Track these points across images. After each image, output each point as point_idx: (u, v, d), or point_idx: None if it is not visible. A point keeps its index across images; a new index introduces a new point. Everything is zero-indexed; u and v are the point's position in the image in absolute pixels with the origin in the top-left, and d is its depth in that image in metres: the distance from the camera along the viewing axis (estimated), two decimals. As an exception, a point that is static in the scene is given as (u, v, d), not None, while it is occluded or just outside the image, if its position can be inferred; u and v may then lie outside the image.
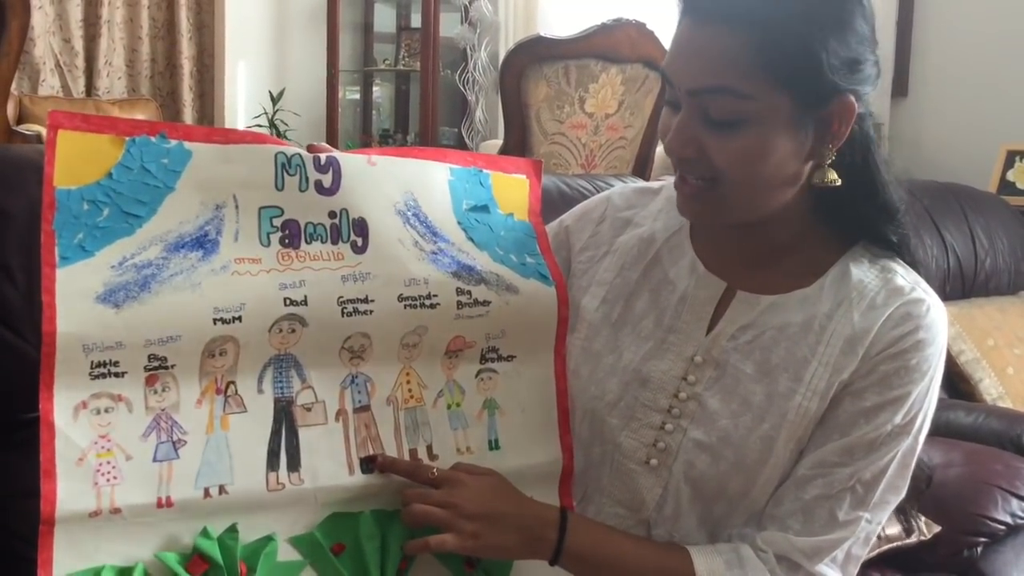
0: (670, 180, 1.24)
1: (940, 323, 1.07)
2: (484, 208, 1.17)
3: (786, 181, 1.04)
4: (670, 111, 1.05)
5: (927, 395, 1.06)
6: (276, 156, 1.05)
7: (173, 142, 1.02)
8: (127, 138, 1.00)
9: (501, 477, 1.10)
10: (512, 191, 1.21)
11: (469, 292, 1.11)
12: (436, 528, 1.04)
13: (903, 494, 1.07)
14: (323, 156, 1.07)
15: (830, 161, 1.04)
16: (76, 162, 0.98)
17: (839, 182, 1.04)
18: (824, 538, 1.04)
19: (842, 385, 1.05)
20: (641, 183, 1.30)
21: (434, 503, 1.04)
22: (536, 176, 1.23)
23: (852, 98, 1.01)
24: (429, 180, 1.14)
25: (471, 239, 1.15)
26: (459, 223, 1.15)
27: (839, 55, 0.98)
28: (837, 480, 1.04)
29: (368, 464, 1.06)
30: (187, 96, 5.50)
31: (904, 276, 1.09)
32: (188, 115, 5.47)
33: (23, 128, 4.12)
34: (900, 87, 3.70)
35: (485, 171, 1.19)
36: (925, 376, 1.05)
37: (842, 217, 1.11)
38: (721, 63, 0.97)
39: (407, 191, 1.12)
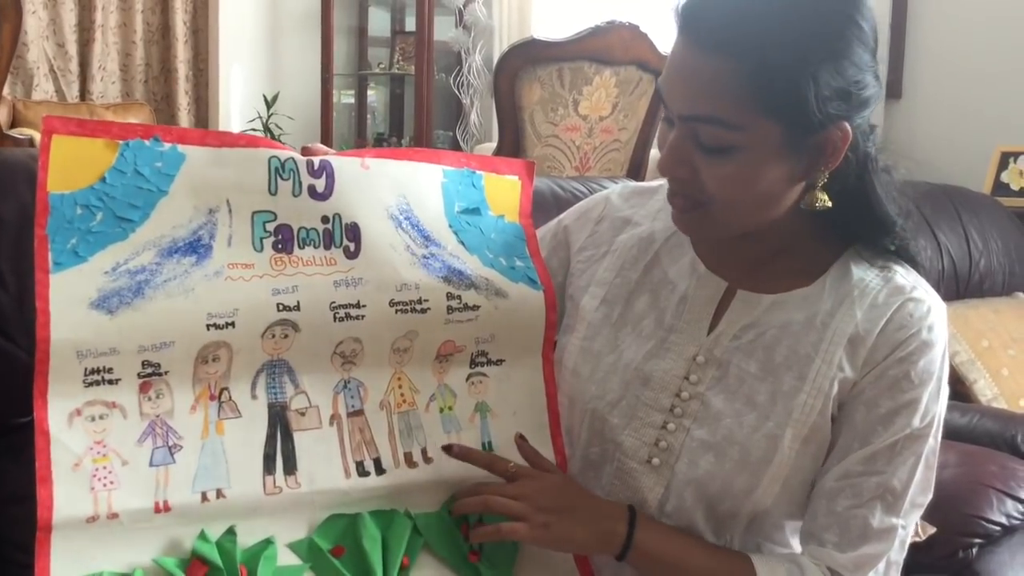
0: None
1: (942, 323, 1.08)
2: (475, 210, 1.18)
3: (776, 202, 1.05)
4: (666, 128, 1.06)
5: (938, 394, 1.07)
6: (270, 160, 1.05)
7: (167, 145, 1.02)
8: (121, 142, 1.00)
9: (569, 477, 1.13)
10: (504, 192, 1.21)
11: (459, 297, 1.11)
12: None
13: (931, 494, 1.08)
14: (316, 160, 1.07)
15: (822, 183, 1.04)
16: (70, 167, 0.98)
17: (829, 204, 1.05)
18: (864, 552, 1.04)
19: (849, 386, 1.06)
20: (639, 183, 1.30)
21: (509, 495, 1.07)
22: (528, 177, 1.23)
23: (846, 125, 1.00)
24: (422, 183, 1.14)
25: (462, 242, 1.15)
26: (450, 226, 1.15)
27: (831, 86, 0.97)
28: (865, 489, 1.04)
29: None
30: (182, 100, 5.49)
31: (904, 276, 1.10)
32: (183, 119, 5.47)
33: (15, 132, 4.11)
34: (894, 89, 3.70)
35: (478, 172, 1.19)
36: (933, 376, 1.06)
37: (838, 229, 1.11)
38: (712, 92, 0.97)
39: (400, 194, 1.12)
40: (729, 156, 0.99)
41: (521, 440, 1.14)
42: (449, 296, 1.11)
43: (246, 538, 1.00)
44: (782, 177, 1.02)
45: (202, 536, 0.97)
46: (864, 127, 1.05)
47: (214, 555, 0.97)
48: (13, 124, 4.62)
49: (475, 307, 1.12)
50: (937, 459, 1.09)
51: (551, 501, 1.07)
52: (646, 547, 1.06)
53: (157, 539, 0.97)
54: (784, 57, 0.95)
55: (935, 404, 1.07)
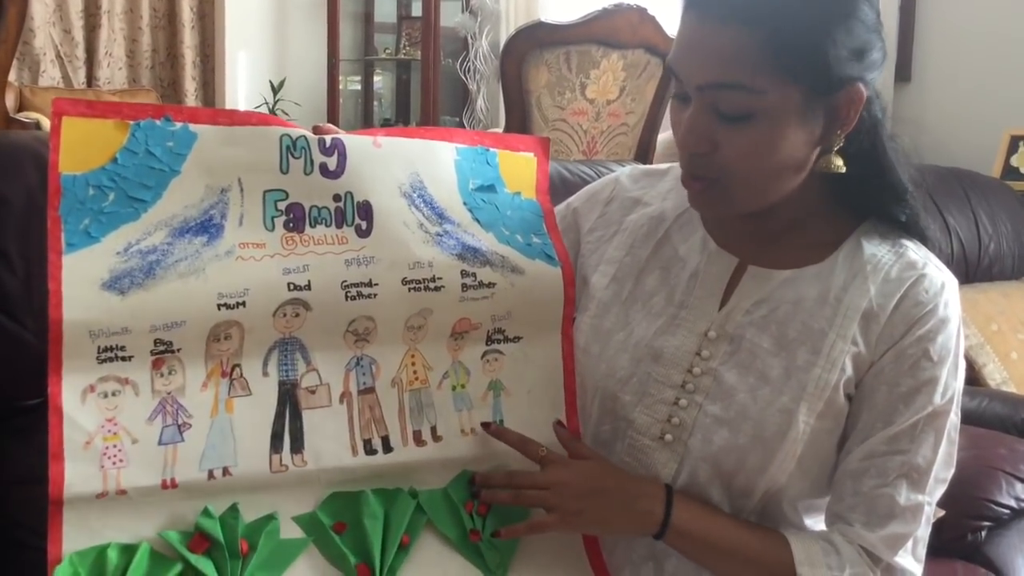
0: (677, 163, 1.24)
1: (955, 298, 1.09)
2: (490, 187, 1.17)
3: (794, 169, 1.05)
4: (679, 105, 1.06)
5: (956, 369, 1.08)
6: (281, 138, 1.05)
7: (178, 124, 1.02)
8: (132, 122, 1.00)
9: (604, 458, 1.12)
10: (520, 169, 1.21)
11: (474, 274, 1.11)
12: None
13: (954, 468, 1.09)
14: (328, 138, 1.07)
15: (838, 147, 1.05)
16: (81, 148, 0.98)
17: (843, 169, 1.06)
18: (892, 530, 1.04)
19: (864, 363, 1.06)
20: (648, 166, 1.30)
21: (540, 484, 1.07)
22: (544, 154, 1.23)
23: (861, 86, 1.01)
24: (435, 160, 1.14)
25: (477, 220, 1.15)
26: (465, 203, 1.15)
27: (846, 46, 0.99)
28: (890, 468, 1.05)
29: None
30: (188, 86, 5.49)
31: (915, 251, 1.11)
32: (190, 104, 5.46)
33: (22, 116, 4.11)
34: (903, 72, 3.69)
35: (492, 150, 1.19)
36: (951, 353, 1.07)
37: (850, 198, 1.12)
38: (730, 60, 0.98)
39: (413, 172, 1.12)
40: (750, 123, 1.00)
41: (559, 426, 1.14)
42: (464, 273, 1.11)
43: (250, 514, 1.01)
44: (801, 142, 1.02)
45: (206, 512, 0.99)
46: (872, 89, 1.06)
47: (216, 530, 0.98)
48: (20, 110, 4.61)
49: (491, 284, 1.12)
50: (958, 433, 1.09)
51: (583, 486, 1.07)
52: (684, 526, 1.06)
53: (163, 513, 0.98)
54: (800, 20, 0.97)
55: (954, 380, 1.07)
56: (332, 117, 5.37)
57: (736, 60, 0.98)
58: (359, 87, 5.84)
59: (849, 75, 1.00)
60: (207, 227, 1.02)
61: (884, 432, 1.05)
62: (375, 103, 5.84)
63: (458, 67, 5.25)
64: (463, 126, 5.24)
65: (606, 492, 1.07)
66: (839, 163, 1.05)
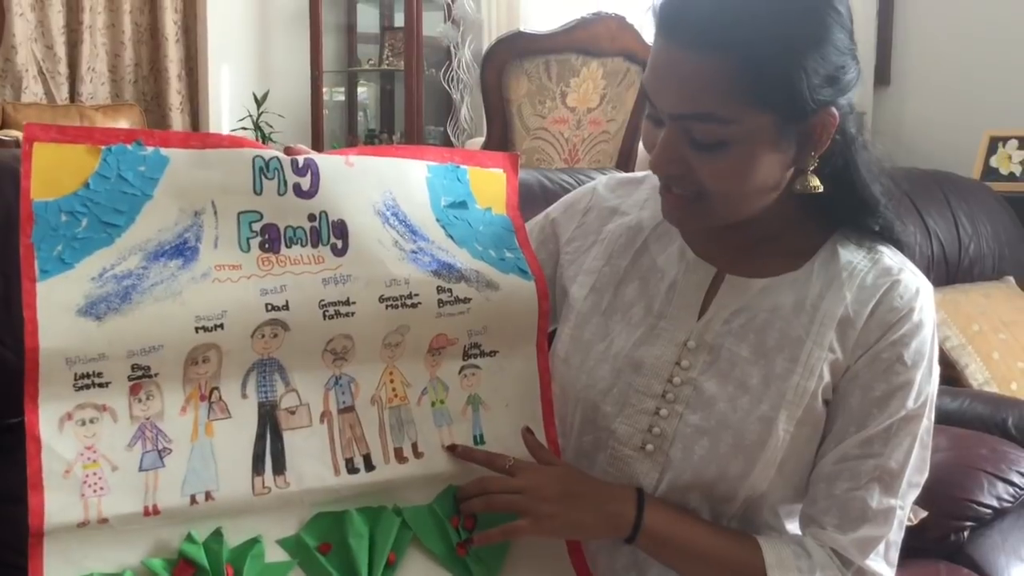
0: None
1: (930, 303, 1.10)
2: (462, 204, 1.18)
3: (769, 189, 1.06)
4: (652, 125, 1.06)
5: (930, 374, 1.08)
6: (254, 160, 1.05)
7: (149, 149, 1.02)
8: (103, 147, 1.00)
9: (572, 466, 1.13)
10: (489, 185, 1.21)
11: (450, 290, 1.12)
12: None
13: (927, 473, 1.09)
14: (301, 159, 1.07)
15: (812, 167, 1.05)
16: (53, 173, 0.98)
17: (820, 188, 1.06)
18: (864, 533, 1.05)
19: (841, 368, 1.07)
20: (625, 174, 1.31)
21: (512, 488, 1.07)
22: (513, 170, 1.24)
23: (834, 109, 1.01)
24: (407, 178, 1.15)
25: (450, 236, 1.15)
26: (438, 220, 1.15)
27: (819, 72, 0.98)
28: (863, 471, 1.05)
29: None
30: (173, 100, 5.48)
31: (891, 257, 1.11)
32: (174, 119, 5.46)
33: (2, 134, 4.10)
34: (882, 75, 3.71)
35: (462, 167, 1.20)
36: (925, 357, 1.07)
37: (823, 212, 1.12)
38: (702, 89, 0.98)
39: (386, 190, 1.12)
40: (723, 150, 1.00)
41: (527, 432, 1.15)
42: (440, 289, 1.11)
43: (234, 537, 1.00)
44: (775, 165, 1.03)
45: (189, 538, 0.98)
46: (846, 108, 1.05)
47: (200, 557, 0.97)
48: (2, 127, 4.61)
49: (466, 299, 1.13)
50: (931, 439, 1.10)
51: (555, 490, 1.07)
52: (655, 529, 1.06)
53: (146, 540, 0.97)
54: (771, 49, 0.96)
55: (928, 384, 1.08)
56: (316, 129, 5.37)
57: (708, 90, 0.97)
58: (343, 98, 5.84)
59: (822, 100, 1.00)
60: (182, 250, 1.02)
61: (858, 435, 1.06)
62: (359, 114, 5.84)
63: (441, 77, 5.25)
64: (447, 135, 5.25)
65: (578, 495, 1.07)
66: (815, 183, 1.05)
